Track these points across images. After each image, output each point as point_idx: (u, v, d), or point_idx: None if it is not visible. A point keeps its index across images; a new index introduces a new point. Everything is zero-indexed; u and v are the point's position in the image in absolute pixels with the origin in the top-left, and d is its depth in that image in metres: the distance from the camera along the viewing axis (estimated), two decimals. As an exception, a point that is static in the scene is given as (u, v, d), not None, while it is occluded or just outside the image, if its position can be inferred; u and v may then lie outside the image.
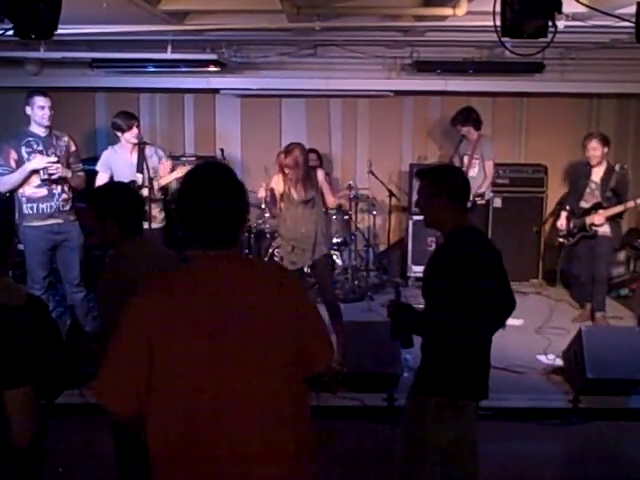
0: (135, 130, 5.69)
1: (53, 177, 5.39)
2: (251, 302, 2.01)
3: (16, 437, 2.27)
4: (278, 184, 5.56)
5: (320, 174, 5.63)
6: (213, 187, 2.02)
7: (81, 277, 5.66)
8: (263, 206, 6.69)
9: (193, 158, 7.81)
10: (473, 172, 6.97)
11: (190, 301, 1.97)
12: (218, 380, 1.95)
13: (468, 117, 6.98)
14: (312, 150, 7.43)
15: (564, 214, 6.60)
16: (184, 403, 1.94)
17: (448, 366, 2.96)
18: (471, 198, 6.68)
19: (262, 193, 5.66)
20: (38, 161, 5.37)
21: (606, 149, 6.34)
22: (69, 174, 5.54)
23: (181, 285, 2.01)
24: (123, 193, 3.13)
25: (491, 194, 6.88)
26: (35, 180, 5.46)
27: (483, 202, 6.68)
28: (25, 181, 5.42)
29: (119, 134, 5.75)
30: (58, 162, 5.41)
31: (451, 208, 3.07)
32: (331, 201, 5.76)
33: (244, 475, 1.97)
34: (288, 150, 5.46)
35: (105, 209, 2.99)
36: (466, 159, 7.03)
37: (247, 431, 1.97)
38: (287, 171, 5.45)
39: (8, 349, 2.24)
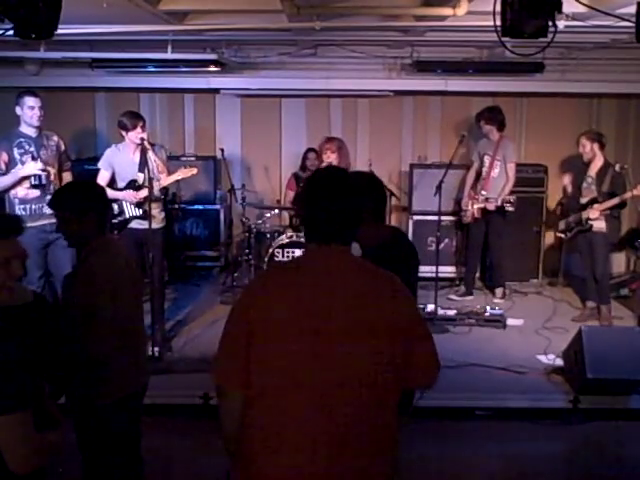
0: (139, 130, 5.68)
1: (43, 182, 5.39)
2: (356, 302, 2.07)
3: (12, 465, 2.08)
4: None
5: None
6: (332, 189, 2.15)
7: None
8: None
9: (193, 158, 7.82)
10: (494, 173, 7.02)
11: (295, 295, 2.07)
12: (310, 376, 2.02)
13: (495, 116, 7.02)
14: (312, 150, 7.45)
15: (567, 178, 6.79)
16: (277, 396, 2.04)
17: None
18: (499, 203, 6.78)
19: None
20: (30, 168, 5.36)
21: (596, 145, 6.40)
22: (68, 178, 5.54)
23: (287, 278, 2.13)
24: (99, 189, 3.18)
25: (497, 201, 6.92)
26: (27, 182, 5.46)
27: (512, 209, 6.73)
28: (15, 185, 5.43)
29: (123, 133, 5.75)
30: (46, 169, 5.41)
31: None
32: None
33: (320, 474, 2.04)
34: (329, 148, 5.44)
35: (87, 203, 2.98)
36: (487, 159, 7.06)
37: (332, 431, 2.03)
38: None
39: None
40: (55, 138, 5.68)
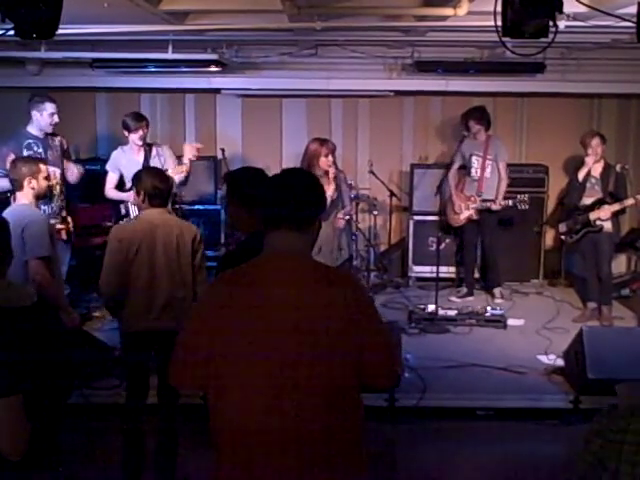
0: (141, 132, 5.70)
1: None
2: (307, 304, 2.08)
3: (6, 450, 2.13)
4: None
5: None
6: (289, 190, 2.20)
7: (67, 275, 5.68)
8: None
9: (194, 158, 7.80)
10: (487, 173, 7.01)
11: (247, 294, 2.11)
12: (270, 378, 2.04)
13: (484, 116, 7.01)
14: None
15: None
16: (236, 398, 2.06)
17: None
18: (510, 203, 6.79)
19: None
20: None
21: (604, 146, 6.43)
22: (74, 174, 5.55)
23: (244, 278, 2.16)
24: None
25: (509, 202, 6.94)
26: None
27: (526, 207, 6.76)
28: None
29: (126, 133, 5.76)
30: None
31: (247, 212, 3.06)
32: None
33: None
34: (329, 148, 5.41)
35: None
36: (475, 159, 7.03)
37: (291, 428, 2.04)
38: (328, 167, 5.41)
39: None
40: (58, 138, 5.73)
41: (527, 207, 6.82)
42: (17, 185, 4.10)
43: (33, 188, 4.10)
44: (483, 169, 7.00)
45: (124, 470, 3.76)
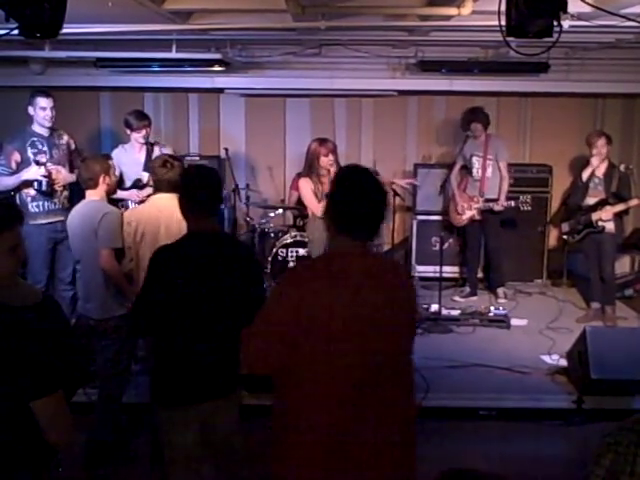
0: (143, 132, 5.70)
1: (43, 188, 5.39)
2: (381, 294, 2.35)
3: (56, 438, 2.25)
4: (310, 185, 5.48)
5: None
6: (369, 190, 2.40)
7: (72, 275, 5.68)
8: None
9: (197, 158, 7.82)
10: (489, 173, 7.00)
11: (328, 285, 2.31)
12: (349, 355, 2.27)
13: (485, 116, 7.01)
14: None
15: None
16: (315, 379, 2.28)
17: (154, 374, 3.20)
18: (512, 204, 6.79)
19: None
20: (32, 173, 5.38)
21: (609, 147, 6.42)
22: (71, 179, 5.54)
23: (322, 270, 2.37)
24: None
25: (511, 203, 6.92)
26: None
27: (529, 208, 6.75)
28: (19, 187, 5.45)
29: (128, 131, 5.76)
30: (50, 175, 5.41)
31: (189, 211, 3.15)
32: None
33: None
34: (328, 147, 5.41)
35: None
36: (476, 160, 7.03)
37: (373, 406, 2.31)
38: (330, 166, 5.40)
39: (32, 354, 2.17)
40: (65, 137, 5.71)
41: (530, 208, 6.82)
42: (92, 183, 4.22)
43: (107, 184, 4.25)
44: (484, 169, 7.00)
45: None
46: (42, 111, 5.45)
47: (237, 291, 3.04)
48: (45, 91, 5.62)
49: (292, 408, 2.33)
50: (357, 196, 2.37)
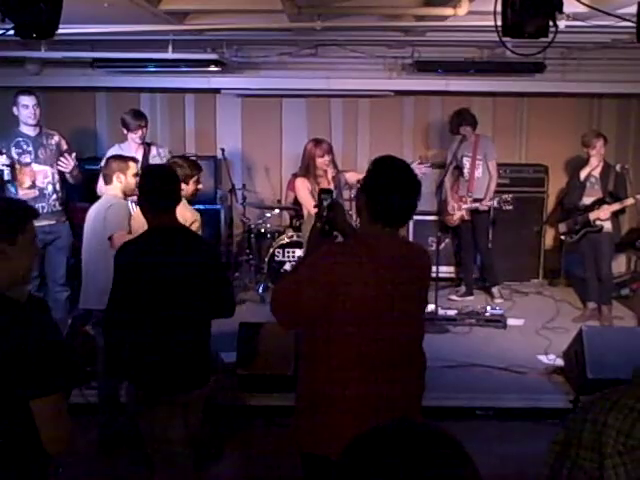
0: (140, 132, 5.69)
1: (5, 178, 5.38)
2: (407, 273, 2.54)
3: (50, 445, 2.17)
4: (307, 185, 5.45)
5: None
6: (406, 181, 2.58)
7: (66, 277, 5.67)
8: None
9: (194, 158, 7.80)
10: (478, 173, 7.00)
11: (365, 264, 2.46)
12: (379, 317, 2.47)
13: (473, 117, 7.01)
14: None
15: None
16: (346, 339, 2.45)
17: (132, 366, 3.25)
18: (496, 204, 6.77)
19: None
20: None
21: (605, 147, 6.45)
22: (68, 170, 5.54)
23: (358, 250, 2.51)
24: None
25: (493, 202, 6.90)
26: (27, 181, 5.47)
27: (510, 207, 6.74)
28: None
29: (125, 131, 5.75)
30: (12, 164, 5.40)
31: (147, 208, 3.32)
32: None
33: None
34: (324, 149, 5.40)
35: None
36: (466, 160, 7.04)
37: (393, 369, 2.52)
38: (326, 167, 5.38)
39: (37, 351, 2.12)
40: (56, 137, 5.67)
41: (511, 207, 6.80)
42: (107, 179, 4.52)
43: (120, 182, 4.48)
44: (473, 169, 7.00)
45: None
46: (25, 109, 5.44)
47: (197, 278, 3.20)
48: (28, 90, 5.61)
49: (322, 378, 2.45)
50: (394, 187, 2.49)
